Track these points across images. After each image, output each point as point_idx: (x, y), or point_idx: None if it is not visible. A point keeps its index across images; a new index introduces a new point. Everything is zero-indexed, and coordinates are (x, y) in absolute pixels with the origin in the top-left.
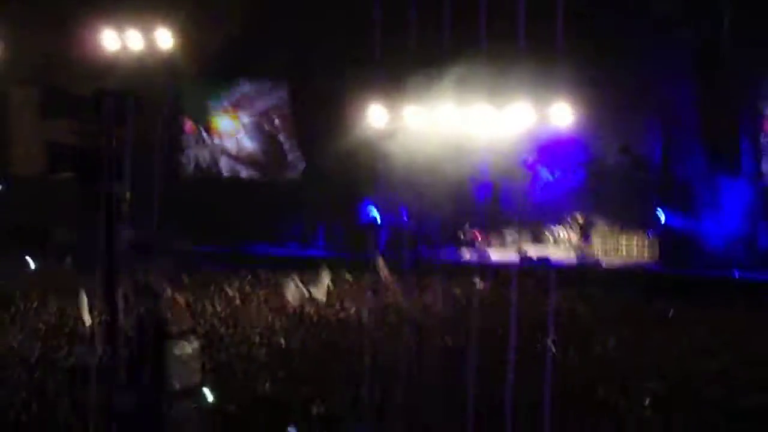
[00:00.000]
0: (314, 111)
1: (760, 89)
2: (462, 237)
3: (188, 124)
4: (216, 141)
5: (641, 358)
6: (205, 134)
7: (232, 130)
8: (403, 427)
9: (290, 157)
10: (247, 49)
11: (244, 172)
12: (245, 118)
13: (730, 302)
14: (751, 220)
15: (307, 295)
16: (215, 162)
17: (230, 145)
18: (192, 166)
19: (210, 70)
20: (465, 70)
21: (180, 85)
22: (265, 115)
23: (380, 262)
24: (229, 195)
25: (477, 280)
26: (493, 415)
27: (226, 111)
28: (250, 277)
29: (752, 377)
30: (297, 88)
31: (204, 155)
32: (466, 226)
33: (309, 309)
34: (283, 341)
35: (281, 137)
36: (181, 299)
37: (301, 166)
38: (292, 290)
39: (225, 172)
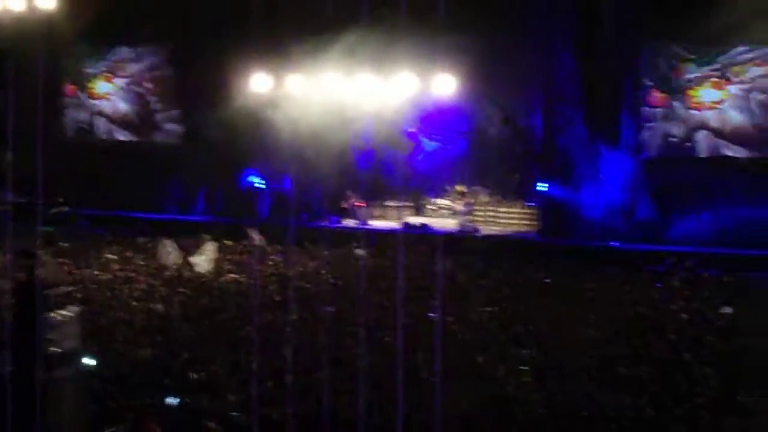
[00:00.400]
0: (194, 76)
1: (641, 61)
2: (344, 205)
3: (68, 87)
4: (94, 103)
5: (519, 327)
6: (84, 97)
7: (107, 93)
8: (283, 393)
9: (164, 120)
10: (126, 12)
11: (120, 135)
12: (120, 81)
13: (608, 272)
14: (630, 192)
15: (180, 259)
16: (93, 125)
17: (107, 107)
18: (72, 129)
19: (90, 33)
20: (349, 40)
21: (60, 48)
22: (139, 78)
23: (253, 232)
24: (108, 158)
25: (358, 248)
26: (374, 382)
27: (103, 74)
28: (129, 241)
29: (627, 347)
30: (175, 52)
31: (84, 118)
32: (349, 193)
33: (188, 275)
34: (161, 307)
35: (153, 101)
36: (59, 263)
37: (177, 129)
38: (166, 254)
39: (102, 135)
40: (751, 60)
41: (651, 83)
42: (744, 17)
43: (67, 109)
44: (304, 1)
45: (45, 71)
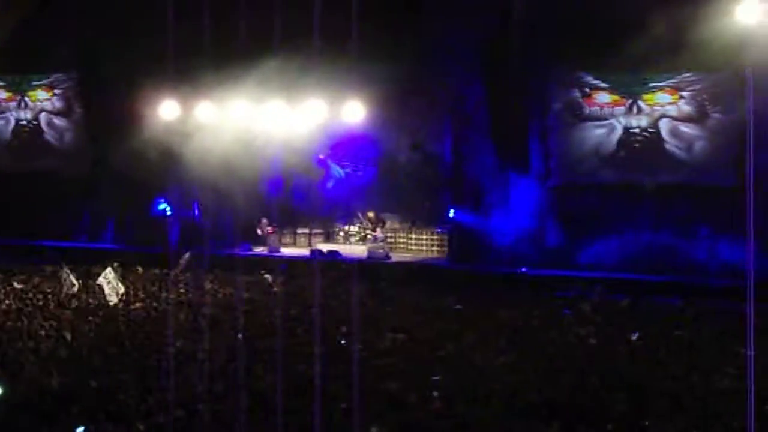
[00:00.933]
0: (105, 103)
1: (550, 87)
2: (258, 232)
3: None
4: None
5: (429, 352)
6: None
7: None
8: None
9: (74, 147)
10: (36, 39)
11: (31, 164)
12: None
13: (517, 298)
14: (539, 218)
15: (77, 286)
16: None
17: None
18: None
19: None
20: (260, 67)
21: None
22: (53, 107)
23: (186, 257)
24: (18, 186)
25: (267, 274)
26: (284, 410)
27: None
28: (34, 269)
29: (537, 372)
30: (85, 80)
31: None
32: (263, 221)
33: (93, 301)
34: (68, 335)
35: (64, 127)
36: None
37: (89, 158)
38: (65, 280)
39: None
40: (661, 87)
41: (561, 108)
42: (656, 45)
43: None
44: (214, 29)
45: None
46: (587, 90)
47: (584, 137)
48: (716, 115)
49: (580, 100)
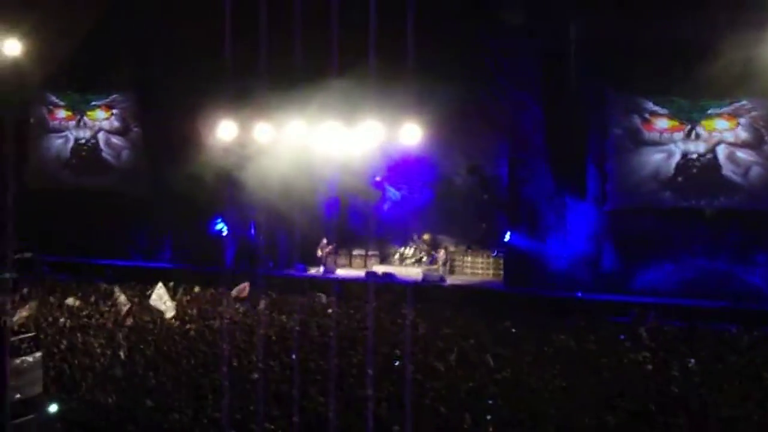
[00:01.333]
0: (163, 123)
1: (609, 112)
2: (319, 253)
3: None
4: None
5: (484, 376)
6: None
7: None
8: None
9: (133, 167)
10: (95, 59)
11: (90, 181)
12: (94, 129)
13: (572, 322)
14: (595, 242)
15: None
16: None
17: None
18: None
19: (59, 79)
20: (316, 88)
21: (28, 95)
22: (111, 126)
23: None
24: (75, 204)
25: (322, 295)
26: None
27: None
28: (93, 287)
29: (592, 396)
30: (144, 100)
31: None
32: (323, 241)
33: (148, 319)
34: (123, 354)
35: (122, 147)
36: (23, 309)
37: (147, 177)
38: (118, 299)
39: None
40: (719, 114)
41: (620, 132)
42: (715, 72)
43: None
44: (273, 50)
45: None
46: (647, 116)
47: (643, 162)
48: None
49: (640, 125)
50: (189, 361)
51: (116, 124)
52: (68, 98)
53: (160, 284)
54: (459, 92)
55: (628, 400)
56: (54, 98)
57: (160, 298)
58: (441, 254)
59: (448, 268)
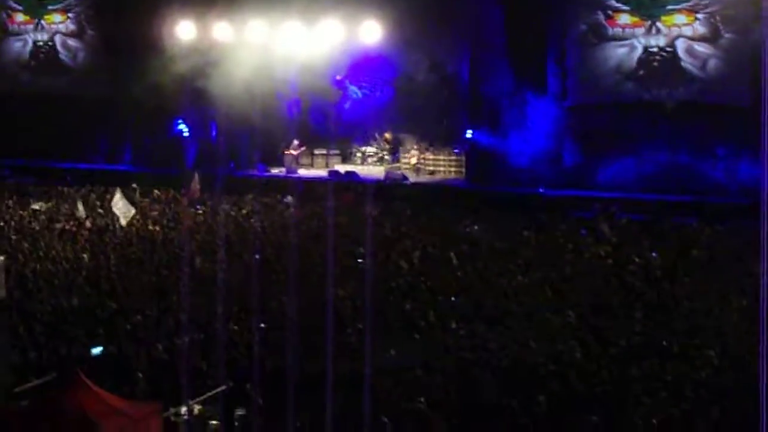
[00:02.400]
0: (121, 25)
1: (565, 12)
2: (293, 153)
3: None
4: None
5: (446, 274)
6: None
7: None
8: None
9: (94, 71)
10: None
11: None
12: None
13: (535, 218)
14: (557, 138)
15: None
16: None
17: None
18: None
19: None
20: None
21: None
22: (68, 30)
23: (195, 178)
24: (35, 107)
25: (288, 196)
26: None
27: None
28: (55, 191)
29: (554, 292)
30: (99, 4)
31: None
32: (295, 143)
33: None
34: (86, 257)
35: (84, 51)
36: None
37: (107, 80)
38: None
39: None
40: (678, 10)
41: (584, 28)
42: None
43: None
44: None
45: None
46: (610, 12)
47: (606, 56)
48: (729, 35)
49: (603, 21)
50: (151, 263)
51: (72, 27)
52: (26, 2)
53: (118, 190)
54: None
55: (589, 295)
56: (12, 2)
57: (119, 202)
58: (413, 157)
59: (419, 172)
